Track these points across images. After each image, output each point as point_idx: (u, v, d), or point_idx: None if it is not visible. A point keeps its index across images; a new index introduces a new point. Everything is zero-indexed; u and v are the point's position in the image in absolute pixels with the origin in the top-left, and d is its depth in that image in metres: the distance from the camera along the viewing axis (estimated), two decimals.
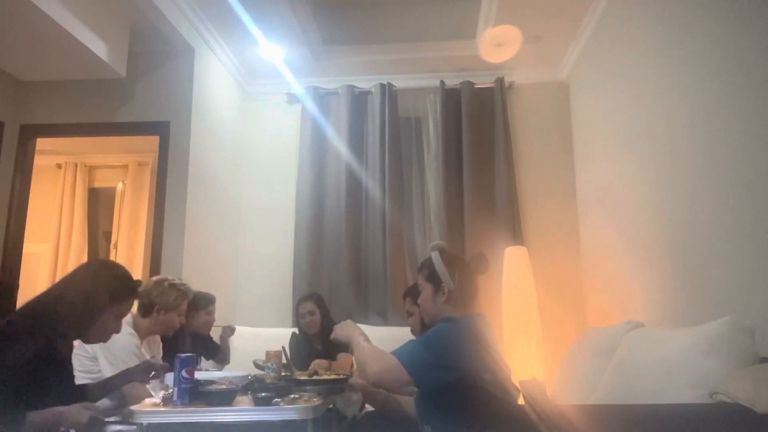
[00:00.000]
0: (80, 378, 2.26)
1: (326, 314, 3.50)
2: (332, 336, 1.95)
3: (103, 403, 2.15)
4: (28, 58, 3.37)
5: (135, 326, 2.46)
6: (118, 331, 1.87)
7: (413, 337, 2.98)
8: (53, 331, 1.70)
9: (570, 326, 3.91)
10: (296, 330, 3.55)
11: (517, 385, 1.77)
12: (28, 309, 1.75)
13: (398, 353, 1.68)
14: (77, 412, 1.65)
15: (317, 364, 3.05)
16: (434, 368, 1.64)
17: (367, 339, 1.83)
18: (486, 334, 1.76)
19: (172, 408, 1.91)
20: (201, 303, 3.09)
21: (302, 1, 3.68)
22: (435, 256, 1.85)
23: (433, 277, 1.84)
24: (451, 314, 1.80)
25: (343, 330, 1.91)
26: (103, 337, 1.85)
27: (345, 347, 1.96)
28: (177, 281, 2.60)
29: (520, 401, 1.74)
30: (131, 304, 1.91)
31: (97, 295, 1.78)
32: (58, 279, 1.84)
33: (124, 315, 1.88)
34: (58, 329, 1.72)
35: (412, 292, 2.46)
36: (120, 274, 1.88)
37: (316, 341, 3.42)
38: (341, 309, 4.11)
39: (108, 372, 2.23)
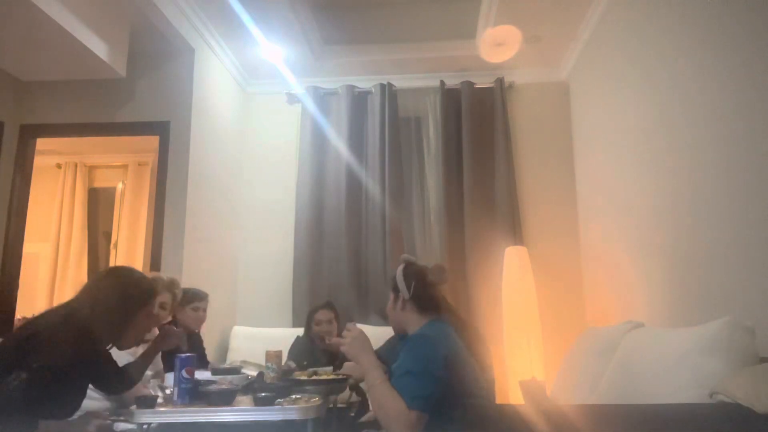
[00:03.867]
0: None
1: (339, 323, 3.47)
2: (344, 349, 1.85)
3: (103, 403, 2.15)
4: (28, 58, 3.37)
5: None
6: (152, 328, 2.04)
7: None
8: (93, 340, 1.81)
9: (570, 326, 3.91)
10: (299, 334, 3.51)
11: (492, 379, 1.87)
12: (57, 318, 1.82)
13: (414, 404, 1.64)
14: (85, 422, 1.72)
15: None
16: (435, 392, 1.67)
17: (380, 373, 1.76)
18: (449, 337, 1.85)
19: (172, 408, 1.91)
20: (186, 298, 3.04)
21: (302, 1, 3.68)
22: (399, 269, 2.00)
23: (395, 288, 1.98)
24: (409, 322, 1.93)
25: (356, 363, 1.86)
26: (139, 338, 1.99)
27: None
28: (161, 274, 2.70)
29: (509, 398, 1.77)
30: (155, 302, 2.04)
31: (126, 304, 1.89)
32: (78, 287, 1.96)
33: (153, 313, 2.02)
34: (96, 339, 1.82)
35: None
36: (139, 278, 2.00)
37: (321, 353, 3.28)
38: (341, 309, 4.10)
39: None
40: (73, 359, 1.73)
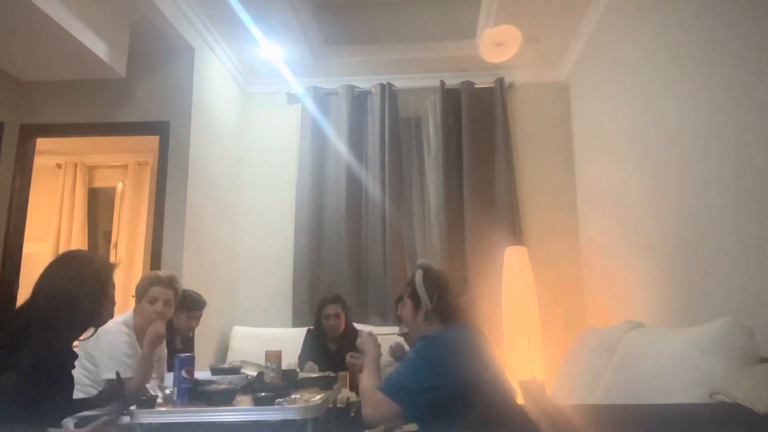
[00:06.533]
0: (78, 376, 2.28)
1: (348, 317, 3.51)
2: (358, 343, 2.04)
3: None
4: (28, 58, 3.37)
5: (133, 324, 2.50)
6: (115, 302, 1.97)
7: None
8: (69, 326, 1.78)
9: (570, 326, 3.91)
10: (311, 327, 3.54)
11: (514, 384, 1.79)
12: (30, 309, 1.76)
13: (383, 387, 1.71)
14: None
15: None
16: (420, 392, 1.66)
17: (376, 365, 1.90)
18: (467, 341, 1.79)
19: (172, 408, 1.91)
20: (185, 304, 2.98)
21: (302, 1, 3.68)
22: (418, 276, 1.90)
23: (414, 295, 1.89)
24: (427, 332, 1.84)
25: (363, 345, 1.99)
26: (111, 313, 1.94)
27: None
28: (159, 272, 2.65)
29: (519, 400, 1.74)
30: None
31: (100, 279, 1.87)
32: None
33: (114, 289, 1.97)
34: (74, 323, 1.79)
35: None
36: (99, 256, 2.04)
37: (331, 341, 3.42)
38: None
39: (105, 367, 2.29)
40: (60, 355, 1.70)
